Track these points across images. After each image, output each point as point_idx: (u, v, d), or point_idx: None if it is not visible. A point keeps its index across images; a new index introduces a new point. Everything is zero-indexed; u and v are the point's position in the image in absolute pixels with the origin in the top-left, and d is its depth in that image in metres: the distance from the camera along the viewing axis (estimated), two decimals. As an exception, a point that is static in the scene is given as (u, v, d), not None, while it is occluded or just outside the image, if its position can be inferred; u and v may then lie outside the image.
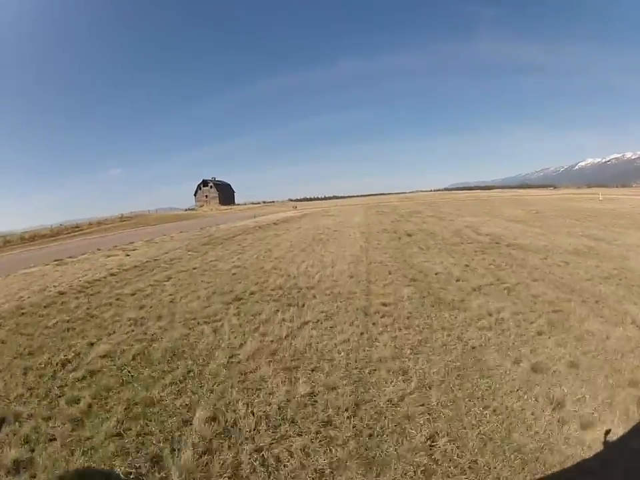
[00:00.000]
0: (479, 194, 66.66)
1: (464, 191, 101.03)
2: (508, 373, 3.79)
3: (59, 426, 3.31)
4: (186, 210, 77.53)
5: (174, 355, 4.68)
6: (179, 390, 3.82)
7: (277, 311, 6.08)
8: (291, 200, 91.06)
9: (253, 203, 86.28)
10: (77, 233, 34.12)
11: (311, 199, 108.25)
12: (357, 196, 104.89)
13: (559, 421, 3.05)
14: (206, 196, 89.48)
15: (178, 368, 4.28)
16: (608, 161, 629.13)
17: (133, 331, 5.60)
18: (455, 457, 2.73)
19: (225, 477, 2.68)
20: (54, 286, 8.92)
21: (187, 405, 3.54)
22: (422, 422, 3.12)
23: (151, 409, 3.51)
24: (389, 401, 3.43)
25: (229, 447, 2.96)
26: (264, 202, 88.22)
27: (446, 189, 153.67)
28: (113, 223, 43.14)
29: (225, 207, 72.59)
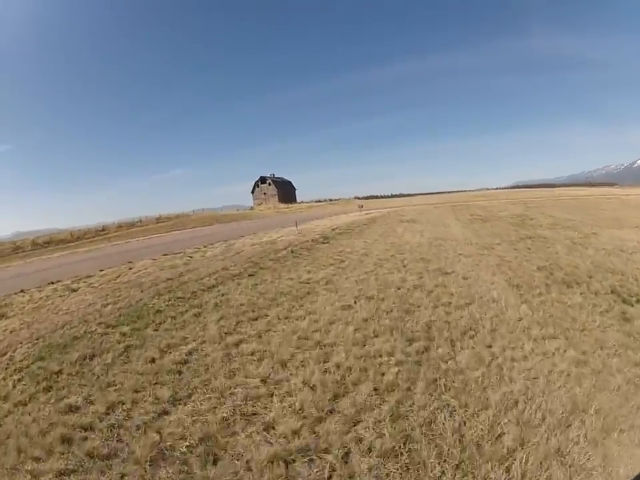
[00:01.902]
0: (575, 192, 52.92)
1: (538, 189, 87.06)
2: None
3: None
4: (249, 209, 74.33)
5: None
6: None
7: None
8: (358, 198, 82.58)
9: (318, 201, 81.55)
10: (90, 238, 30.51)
11: (377, 197, 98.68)
12: (422, 194, 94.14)
13: None
14: (264, 194, 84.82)
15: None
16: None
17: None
18: None
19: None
20: None
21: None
22: None
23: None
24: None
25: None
26: (330, 200, 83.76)
27: (512, 187, 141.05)
28: (146, 225, 39.51)
29: (284, 206, 67.65)
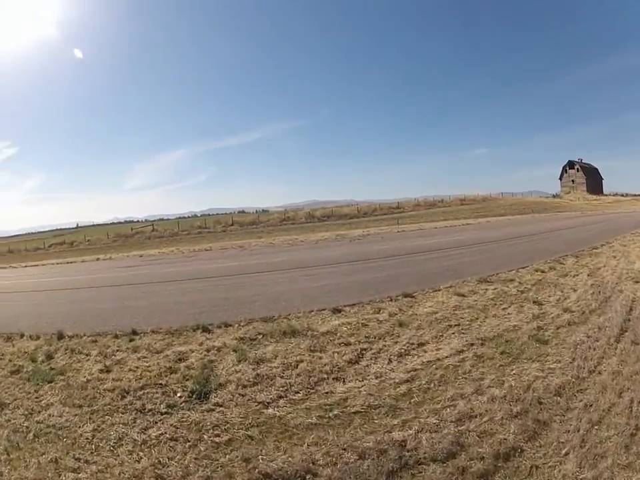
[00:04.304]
0: None
1: None
2: None
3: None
4: (552, 196, 68.54)
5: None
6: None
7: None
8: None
9: (621, 195, 70.01)
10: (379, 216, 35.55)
11: None
12: None
13: None
14: (572, 181, 73.86)
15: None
16: None
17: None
18: None
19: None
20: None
21: None
22: None
23: None
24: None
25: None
26: (634, 196, 69.86)
27: None
28: (448, 206, 38.83)
29: (593, 197, 57.71)
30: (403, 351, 5.22)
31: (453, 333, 5.69)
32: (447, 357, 4.93)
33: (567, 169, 75.89)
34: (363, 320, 6.32)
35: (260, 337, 5.73)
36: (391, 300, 7.37)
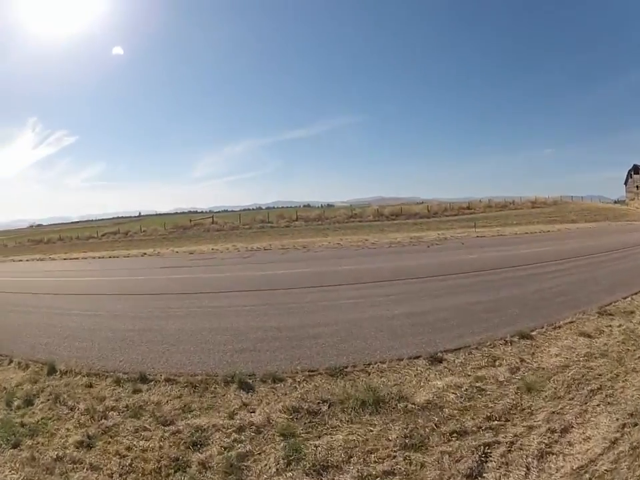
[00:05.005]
0: None
1: None
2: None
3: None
4: (614, 202, 64.70)
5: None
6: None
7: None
8: None
9: None
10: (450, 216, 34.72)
11: None
12: None
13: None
14: (637, 187, 67.13)
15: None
16: None
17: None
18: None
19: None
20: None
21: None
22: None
23: None
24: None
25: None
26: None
27: None
28: (520, 209, 38.58)
29: None
30: (543, 446, 3.05)
31: (598, 405, 3.70)
32: (600, 454, 2.93)
33: (632, 173, 69.34)
34: (475, 379, 4.19)
35: (324, 407, 3.68)
36: (505, 342, 5.23)
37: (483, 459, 2.92)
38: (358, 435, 3.27)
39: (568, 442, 3.09)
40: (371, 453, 3.03)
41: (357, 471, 2.83)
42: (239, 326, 6.44)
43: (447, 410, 3.61)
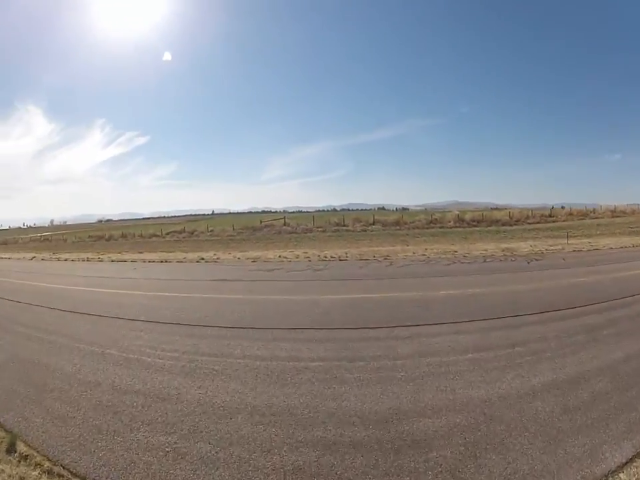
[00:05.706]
0: None
1: None
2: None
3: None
4: None
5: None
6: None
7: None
8: None
9: None
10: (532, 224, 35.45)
11: None
12: None
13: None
14: None
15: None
16: None
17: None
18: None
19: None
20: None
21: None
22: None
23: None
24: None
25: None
26: None
27: None
28: (600, 218, 37.94)
29: None
30: None
31: None
32: None
33: None
34: None
35: None
36: None
37: None
38: None
39: None
40: None
41: None
42: (293, 404, 4.19)
43: None
